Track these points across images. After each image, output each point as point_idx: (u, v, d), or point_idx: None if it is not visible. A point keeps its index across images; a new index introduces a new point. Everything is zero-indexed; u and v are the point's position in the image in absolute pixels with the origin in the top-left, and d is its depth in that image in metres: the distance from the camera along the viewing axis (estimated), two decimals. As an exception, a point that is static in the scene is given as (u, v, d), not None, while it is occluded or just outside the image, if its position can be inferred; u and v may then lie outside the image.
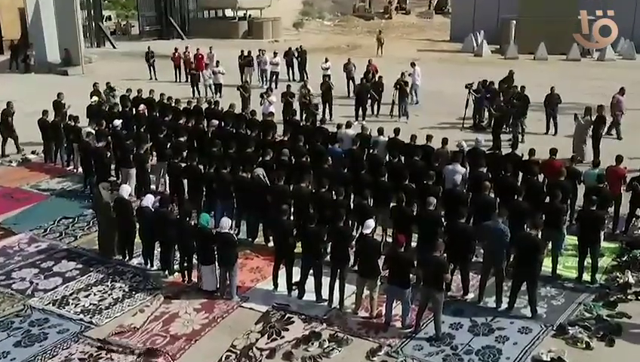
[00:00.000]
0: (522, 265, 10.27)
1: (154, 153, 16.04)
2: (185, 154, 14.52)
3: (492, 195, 12.68)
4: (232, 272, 10.85)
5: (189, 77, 27.58)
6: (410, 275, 9.92)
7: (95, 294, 11.17)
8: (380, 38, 38.15)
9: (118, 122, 16.90)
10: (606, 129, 18.99)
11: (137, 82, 28.42)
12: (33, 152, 18.84)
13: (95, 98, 19.65)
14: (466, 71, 29.66)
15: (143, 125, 16.77)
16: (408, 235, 11.40)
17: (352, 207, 12.35)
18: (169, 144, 15.53)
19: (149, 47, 31.07)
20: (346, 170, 14.01)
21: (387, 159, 14.89)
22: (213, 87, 25.76)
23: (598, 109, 17.68)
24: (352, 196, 13.08)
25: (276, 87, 25.85)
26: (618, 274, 11.62)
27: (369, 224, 10.35)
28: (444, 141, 14.78)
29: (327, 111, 22.07)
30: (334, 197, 12.25)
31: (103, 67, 33.65)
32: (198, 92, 26.21)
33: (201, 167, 14.74)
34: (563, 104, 20.56)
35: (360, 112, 21.82)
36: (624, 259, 12.19)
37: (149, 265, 12.02)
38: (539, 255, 10.26)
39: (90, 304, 10.86)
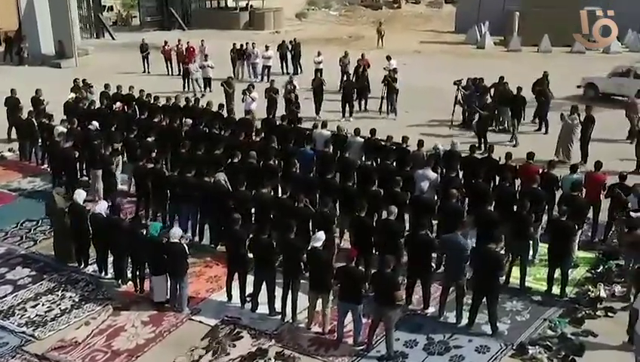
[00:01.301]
0: (482, 281, 9.77)
1: (126, 153, 15.66)
2: (153, 155, 14.13)
3: (463, 201, 12.27)
4: (182, 283, 10.44)
5: (182, 70, 27.05)
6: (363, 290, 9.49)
7: (43, 304, 10.82)
8: (381, 29, 37.34)
9: (95, 123, 16.45)
10: (627, 135, 18.28)
11: (130, 75, 28.26)
12: (10, 150, 18.52)
13: (72, 95, 19.24)
14: (464, 64, 28.91)
15: (114, 124, 16.33)
16: (370, 246, 10.96)
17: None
18: (138, 144, 15.11)
19: (143, 40, 30.60)
20: (317, 173, 13.59)
21: (361, 161, 14.40)
22: (201, 81, 25.23)
23: (587, 109, 17.00)
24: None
25: (268, 81, 25.21)
26: (590, 287, 11.09)
27: (319, 236, 9.88)
28: (420, 143, 14.24)
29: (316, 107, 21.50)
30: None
31: (99, 59, 33.29)
32: (188, 86, 25.73)
33: (174, 168, 14.37)
34: (562, 101, 19.85)
35: (347, 108, 21.22)
36: (598, 270, 11.66)
37: (103, 273, 11.64)
38: (499, 270, 9.78)
39: (37, 315, 10.52)
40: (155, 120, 16.62)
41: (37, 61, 31.68)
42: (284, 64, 28.86)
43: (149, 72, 29.61)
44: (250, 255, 10.49)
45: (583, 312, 10.38)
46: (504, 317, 10.25)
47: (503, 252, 11.42)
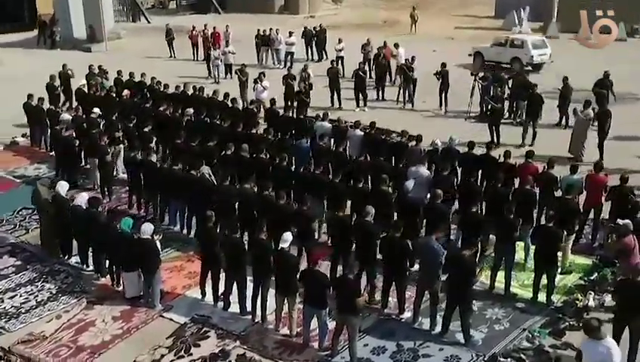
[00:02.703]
0: (454, 287, 9.36)
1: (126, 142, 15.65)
2: (151, 144, 14.12)
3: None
4: (154, 280, 10.33)
5: (206, 56, 26.97)
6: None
7: (21, 296, 10.88)
8: (414, 14, 36.43)
9: (97, 111, 16.52)
10: None
11: (156, 60, 28.43)
12: (23, 135, 18.73)
13: (84, 81, 19.35)
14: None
15: (116, 112, 16.31)
16: (349, 246, 10.64)
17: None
18: (137, 133, 15.07)
19: (167, 25, 30.66)
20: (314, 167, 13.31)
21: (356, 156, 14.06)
22: (222, 67, 25.08)
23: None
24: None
25: (291, 68, 24.86)
26: (579, 295, 10.53)
27: (286, 238, 9.59)
28: (418, 138, 13.79)
29: (335, 98, 21.08)
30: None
31: (130, 43, 33.50)
32: (210, 71, 25.67)
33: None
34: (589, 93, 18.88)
35: (361, 97, 20.77)
36: (592, 277, 11.06)
37: (85, 265, 11.64)
38: (471, 277, 9.35)
39: (12, 306, 10.58)
40: (161, 108, 16.54)
41: (68, 45, 32.10)
42: (309, 50, 28.48)
43: (174, 57, 29.66)
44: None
45: (566, 323, 9.86)
46: (482, 325, 9.84)
47: (493, 255, 11.07)
